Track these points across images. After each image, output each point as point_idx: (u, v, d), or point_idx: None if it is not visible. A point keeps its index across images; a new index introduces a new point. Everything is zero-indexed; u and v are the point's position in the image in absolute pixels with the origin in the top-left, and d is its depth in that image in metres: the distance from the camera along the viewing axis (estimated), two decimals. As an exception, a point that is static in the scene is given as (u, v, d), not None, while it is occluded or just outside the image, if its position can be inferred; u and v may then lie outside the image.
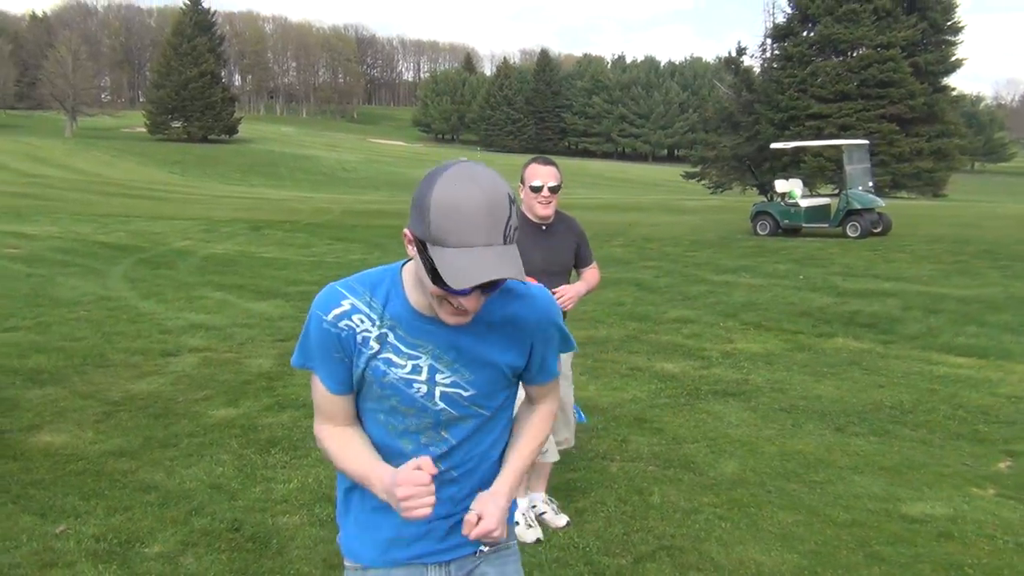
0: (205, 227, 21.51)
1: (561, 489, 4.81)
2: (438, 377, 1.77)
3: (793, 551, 4.12)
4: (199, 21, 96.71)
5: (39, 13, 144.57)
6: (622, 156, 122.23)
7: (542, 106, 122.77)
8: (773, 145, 19.67)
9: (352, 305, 1.77)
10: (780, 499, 4.76)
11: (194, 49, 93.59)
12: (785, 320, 9.61)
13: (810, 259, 14.56)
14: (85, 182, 47.89)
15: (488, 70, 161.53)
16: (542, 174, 4.12)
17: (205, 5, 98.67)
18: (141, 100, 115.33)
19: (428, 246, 1.58)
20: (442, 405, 1.78)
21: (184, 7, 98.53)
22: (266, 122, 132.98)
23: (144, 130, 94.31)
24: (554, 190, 4.14)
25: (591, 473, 5.10)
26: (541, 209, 4.13)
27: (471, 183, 1.57)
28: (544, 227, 4.22)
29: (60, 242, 17.62)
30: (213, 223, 22.53)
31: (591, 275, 4.45)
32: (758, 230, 18.70)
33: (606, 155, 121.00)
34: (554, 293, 3.82)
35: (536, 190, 4.11)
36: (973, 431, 5.88)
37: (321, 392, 1.85)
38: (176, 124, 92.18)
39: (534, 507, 4.39)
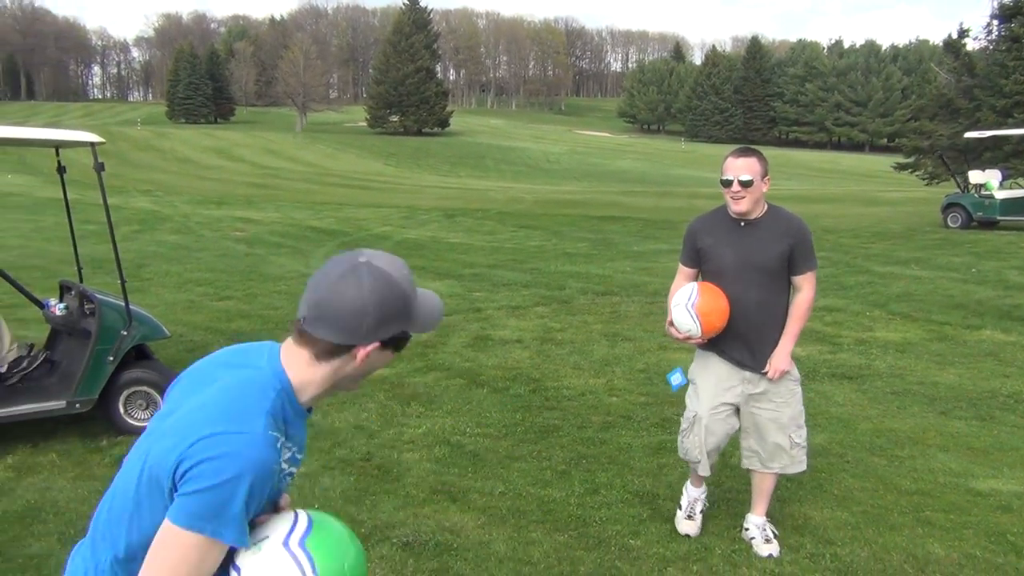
0: (406, 214, 23.20)
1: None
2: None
3: (845, 510, 4.52)
4: (416, 19, 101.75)
5: (277, 17, 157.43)
6: (836, 146, 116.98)
7: (751, 95, 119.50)
8: (968, 134, 18.66)
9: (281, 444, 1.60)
10: (854, 468, 5.12)
11: (411, 46, 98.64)
12: (935, 311, 9.54)
13: (994, 253, 13.98)
14: (310, 173, 52.06)
15: (698, 59, 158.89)
16: (733, 167, 3.79)
17: (422, 4, 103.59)
18: (363, 96, 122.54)
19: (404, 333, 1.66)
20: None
21: (403, 6, 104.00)
22: (477, 115, 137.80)
23: (365, 124, 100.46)
24: (745, 184, 3.75)
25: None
26: (733, 205, 3.82)
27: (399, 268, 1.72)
28: (743, 223, 3.89)
29: (278, 227, 19.71)
30: (413, 211, 24.23)
31: (801, 300, 3.94)
32: (949, 222, 17.92)
33: (818, 145, 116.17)
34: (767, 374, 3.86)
35: (726, 184, 3.81)
36: (1083, 421, 5.89)
37: (214, 558, 1.51)
38: (393, 118, 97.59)
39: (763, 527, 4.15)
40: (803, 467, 4.09)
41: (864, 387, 6.78)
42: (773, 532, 4.12)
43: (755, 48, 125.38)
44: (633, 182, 56.82)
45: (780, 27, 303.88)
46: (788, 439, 3.99)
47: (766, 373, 3.91)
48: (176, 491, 1.49)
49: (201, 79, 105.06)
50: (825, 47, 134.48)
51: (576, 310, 9.90)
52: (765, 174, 3.83)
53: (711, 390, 4.00)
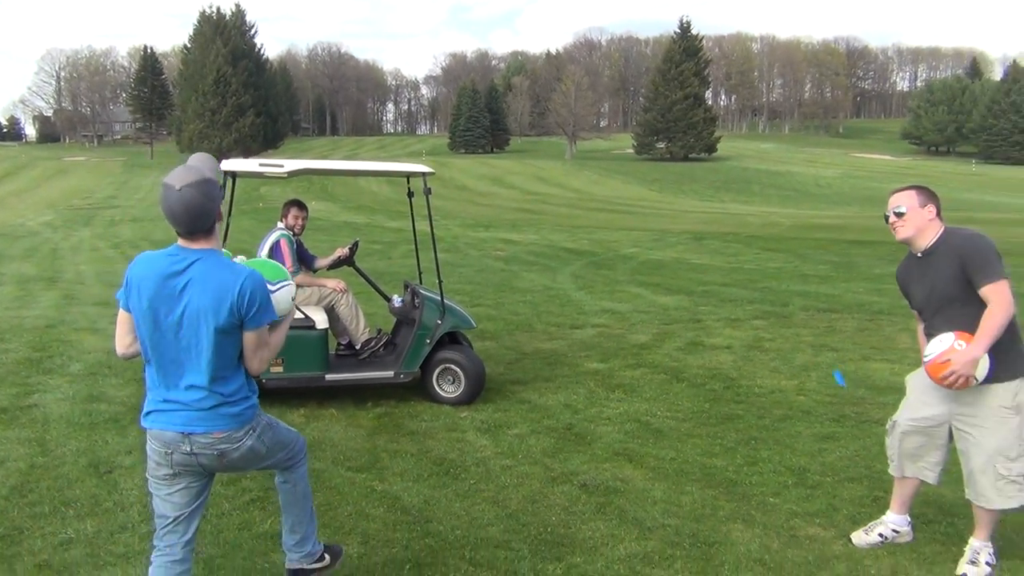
0: (656, 237, 24.20)
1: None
2: None
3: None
4: (687, 47, 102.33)
5: (552, 51, 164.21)
6: None
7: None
8: None
9: None
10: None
11: (680, 74, 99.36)
12: None
13: None
14: (575, 198, 54.40)
15: (998, 75, 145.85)
16: (890, 201, 4.08)
17: (694, 31, 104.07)
18: (632, 123, 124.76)
19: None
20: None
21: (674, 35, 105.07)
22: (746, 139, 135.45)
23: (632, 151, 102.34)
24: (899, 215, 4.02)
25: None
26: (895, 235, 4.08)
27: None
28: (920, 255, 4.05)
29: (535, 247, 21.46)
30: (664, 234, 25.17)
31: (988, 312, 3.81)
32: None
33: None
34: (940, 381, 3.86)
35: (887, 220, 4.11)
36: None
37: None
38: (660, 144, 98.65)
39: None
40: (1011, 504, 3.94)
41: None
42: (988, 560, 4.04)
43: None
44: (910, 207, 53.73)
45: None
46: (993, 470, 3.91)
47: (977, 387, 3.90)
48: (245, 314, 3.04)
49: (480, 112, 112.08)
50: None
51: (792, 324, 10.44)
52: (925, 204, 4.01)
53: (912, 402, 4.24)
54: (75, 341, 9.50)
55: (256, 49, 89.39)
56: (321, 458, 5.62)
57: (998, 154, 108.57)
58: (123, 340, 3.21)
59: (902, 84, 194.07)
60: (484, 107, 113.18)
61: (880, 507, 4.66)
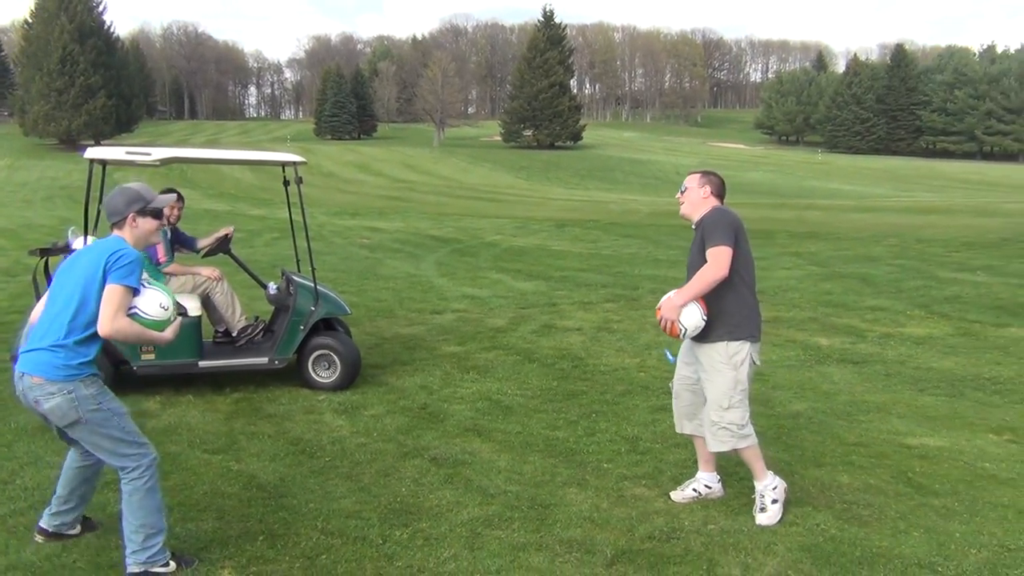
0: (520, 225, 24.75)
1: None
2: None
3: (787, 454, 5.61)
4: (551, 36, 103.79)
5: (419, 36, 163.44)
6: (987, 156, 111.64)
7: (895, 104, 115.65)
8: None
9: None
10: (814, 427, 6.18)
11: (546, 62, 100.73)
12: (973, 312, 10.24)
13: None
14: (443, 186, 54.56)
15: (842, 68, 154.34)
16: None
17: (557, 20, 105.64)
18: (499, 111, 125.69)
19: None
20: None
21: (538, 23, 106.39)
22: (611, 128, 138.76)
23: (499, 139, 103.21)
24: (682, 192, 4.72)
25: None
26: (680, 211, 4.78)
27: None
28: (694, 228, 4.64)
29: (401, 235, 21.62)
30: (528, 221, 25.75)
31: (706, 266, 4.43)
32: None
33: (967, 155, 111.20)
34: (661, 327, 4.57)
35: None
36: (1044, 399, 6.70)
37: (128, 298, 3.83)
38: (527, 132, 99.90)
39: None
40: (723, 447, 4.58)
41: (864, 370, 7.74)
42: (774, 498, 4.54)
43: (900, 55, 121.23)
44: (761, 194, 56.57)
45: (936, 32, 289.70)
46: (709, 417, 4.59)
47: (702, 344, 4.58)
48: (107, 272, 3.66)
49: (347, 98, 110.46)
50: (977, 53, 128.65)
51: (640, 306, 11.07)
52: (703, 185, 4.66)
53: (679, 364, 4.92)
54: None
55: (106, 27, 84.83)
56: (177, 442, 5.74)
57: (841, 144, 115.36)
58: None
59: (755, 75, 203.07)
60: (350, 92, 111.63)
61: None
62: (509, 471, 5.28)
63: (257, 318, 7.77)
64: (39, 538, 4.19)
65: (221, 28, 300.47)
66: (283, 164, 7.38)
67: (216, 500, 4.80)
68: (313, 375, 7.11)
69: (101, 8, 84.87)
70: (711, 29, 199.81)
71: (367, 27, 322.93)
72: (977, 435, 5.95)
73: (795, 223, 24.15)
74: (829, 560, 4.09)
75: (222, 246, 7.79)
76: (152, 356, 6.70)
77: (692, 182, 4.73)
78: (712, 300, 4.53)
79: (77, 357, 3.71)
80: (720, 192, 4.75)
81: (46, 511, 4.23)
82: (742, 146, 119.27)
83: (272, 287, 7.57)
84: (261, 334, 7.49)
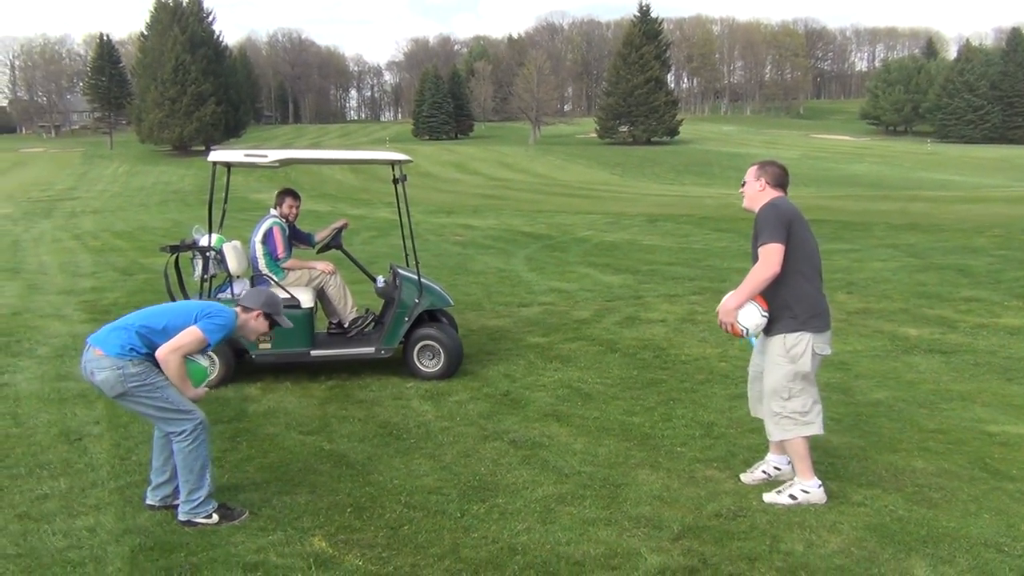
0: (611, 220, 24.80)
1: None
2: None
3: (863, 439, 5.64)
4: (647, 30, 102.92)
5: (515, 35, 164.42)
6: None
7: (1011, 90, 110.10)
8: None
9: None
10: (895, 414, 6.18)
11: (641, 57, 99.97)
12: (1076, 302, 9.89)
13: None
14: (538, 183, 54.87)
15: (954, 54, 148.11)
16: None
17: (654, 15, 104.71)
18: (595, 107, 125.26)
19: None
20: None
21: (634, 18, 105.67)
22: (709, 122, 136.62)
23: (595, 135, 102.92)
24: (742, 186, 4.87)
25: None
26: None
27: None
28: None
29: (493, 231, 21.98)
30: (620, 217, 25.78)
31: (757, 265, 4.55)
32: None
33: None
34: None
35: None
36: None
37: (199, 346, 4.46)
38: (623, 128, 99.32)
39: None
40: (786, 435, 4.66)
41: (951, 360, 7.64)
42: (792, 492, 4.64)
43: (1016, 39, 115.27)
44: (867, 186, 54.93)
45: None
46: (769, 408, 4.70)
47: (769, 336, 4.72)
48: (200, 317, 4.40)
49: (444, 98, 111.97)
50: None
51: (727, 298, 11.07)
52: (759, 177, 4.73)
53: (753, 353, 5.07)
54: (41, 327, 9.90)
55: (215, 36, 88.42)
56: (275, 424, 6.15)
57: (953, 133, 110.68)
58: None
59: (860, 64, 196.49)
60: (447, 93, 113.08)
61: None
62: (584, 453, 5.49)
63: (367, 310, 8.16)
64: (186, 528, 4.49)
65: (323, 34, 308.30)
66: (392, 163, 7.67)
67: (309, 476, 5.15)
68: (418, 364, 7.42)
69: (211, 18, 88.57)
70: (814, 19, 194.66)
71: (464, 28, 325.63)
72: (1063, 424, 5.85)
73: (896, 215, 23.49)
74: (894, 538, 4.16)
75: (336, 239, 8.21)
76: (268, 346, 7.17)
77: (750, 175, 4.82)
78: (770, 295, 4.61)
79: (134, 345, 4.37)
80: (780, 182, 4.77)
81: (148, 489, 4.69)
82: (847, 137, 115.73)
83: (380, 280, 7.95)
84: (371, 325, 7.88)
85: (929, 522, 4.33)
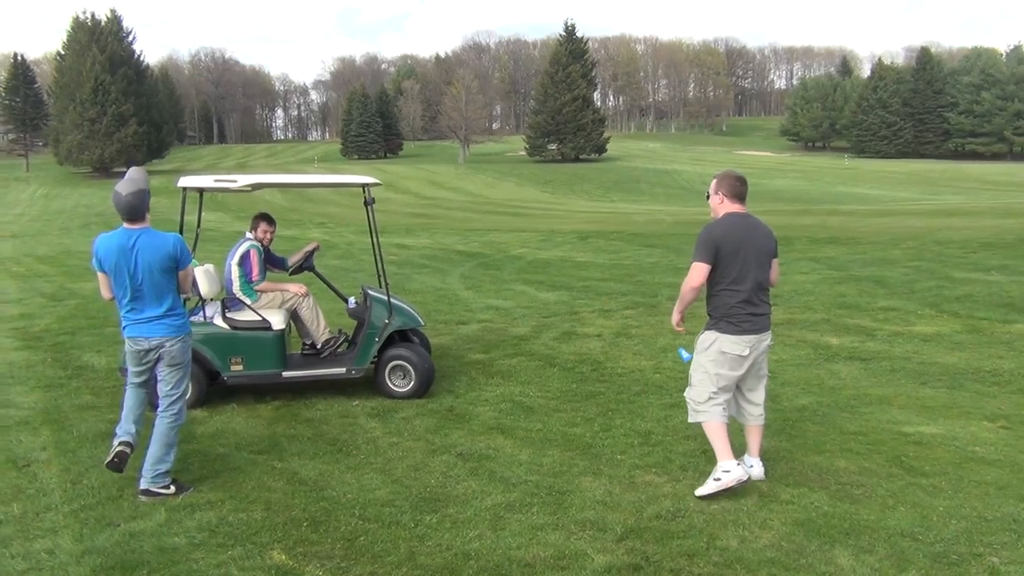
0: (544, 238, 25.19)
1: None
2: None
3: (789, 442, 6.01)
4: (573, 50, 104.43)
5: (442, 54, 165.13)
6: (1018, 156, 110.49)
7: (921, 107, 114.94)
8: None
9: None
10: (818, 419, 6.57)
11: (568, 76, 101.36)
12: (982, 310, 10.52)
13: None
14: (469, 202, 55.21)
15: (867, 72, 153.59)
16: None
17: (579, 34, 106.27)
18: (524, 125, 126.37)
19: None
20: None
21: (560, 38, 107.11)
22: (635, 139, 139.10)
23: (524, 153, 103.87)
24: (707, 197, 5.35)
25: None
26: None
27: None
28: None
29: (428, 250, 22.15)
30: (552, 234, 26.19)
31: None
32: (1065, 232, 18.10)
33: (997, 156, 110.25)
34: None
35: None
36: (1039, 388, 7.04)
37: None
38: (552, 146, 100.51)
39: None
40: (690, 420, 5.35)
41: (869, 366, 8.11)
42: (715, 476, 5.05)
43: (925, 58, 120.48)
44: (788, 201, 56.63)
45: (962, 34, 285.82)
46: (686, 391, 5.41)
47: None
48: (179, 259, 5.25)
49: (372, 117, 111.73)
50: (1004, 53, 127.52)
51: (658, 312, 11.47)
52: (716, 190, 5.24)
53: None
54: (-26, 355, 9.74)
55: (136, 56, 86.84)
56: (225, 444, 6.25)
57: (868, 148, 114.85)
58: (105, 291, 5.34)
59: (779, 82, 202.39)
60: (375, 112, 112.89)
61: (708, 458, 5.61)
62: (529, 463, 5.73)
63: (340, 331, 8.27)
64: (143, 498, 5.21)
65: (248, 53, 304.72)
66: (364, 185, 7.78)
67: (263, 493, 5.28)
68: (390, 384, 7.53)
69: (131, 38, 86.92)
70: (734, 38, 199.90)
71: (391, 47, 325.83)
72: (972, 423, 6.31)
73: (817, 229, 24.38)
74: (819, 532, 4.50)
75: (308, 261, 8.31)
76: (240, 367, 7.26)
77: (711, 188, 5.31)
78: (707, 299, 5.31)
79: (183, 313, 5.45)
80: (735, 192, 5.22)
81: (142, 474, 5.26)
82: (768, 153, 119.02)
83: (352, 301, 8.04)
84: (344, 346, 7.99)
85: (851, 516, 4.68)
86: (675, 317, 5.48)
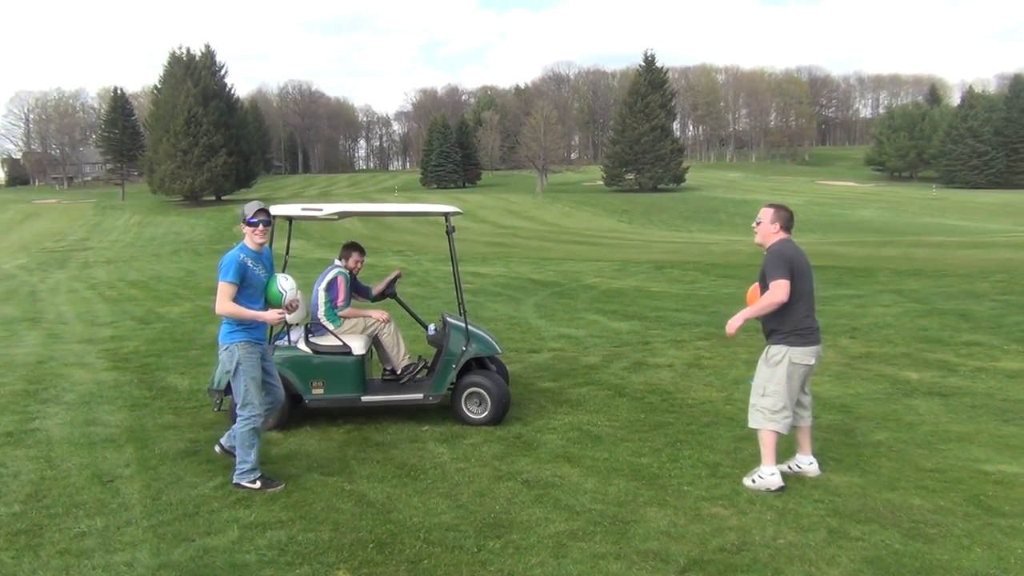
0: (618, 267, 25.15)
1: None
2: None
3: (862, 478, 5.87)
4: (652, 80, 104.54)
5: (521, 85, 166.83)
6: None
7: (1015, 136, 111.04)
8: None
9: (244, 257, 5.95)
10: (894, 454, 6.40)
11: (647, 106, 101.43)
12: (1073, 345, 10.11)
13: None
14: (546, 231, 55.49)
15: (957, 100, 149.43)
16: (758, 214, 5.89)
17: (659, 64, 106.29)
18: (601, 155, 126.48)
19: None
20: None
21: (639, 68, 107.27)
22: (714, 169, 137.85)
23: (602, 183, 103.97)
24: (758, 223, 5.85)
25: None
26: (755, 239, 5.94)
27: None
28: (765, 251, 5.84)
29: (502, 279, 22.34)
30: (627, 264, 26.13)
31: (764, 295, 5.66)
32: None
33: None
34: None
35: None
36: None
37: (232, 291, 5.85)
38: (629, 176, 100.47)
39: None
40: (755, 425, 5.79)
41: (948, 402, 7.86)
42: (759, 474, 5.72)
43: (1018, 86, 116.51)
44: (872, 232, 55.42)
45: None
46: (751, 397, 5.87)
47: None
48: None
49: (452, 147, 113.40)
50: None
51: (732, 344, 11.31)
52: (774, 221, 5.79)
53: None
54: (66, 374, 10.22)
55: (227, 88, 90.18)
56: (297, 466, 6.41)
57: (958, 178, 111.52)
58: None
59: (864, 111, 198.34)
60: (455, 142, 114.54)
61: (777, 492, 5.55)
62: (594, 492, 5.72)
63: (420, 357, 8.42)
64: (217, 449, 6.45)
65: (333, 85, 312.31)
66: (445, 214, 7.94)
67: (331, 514, 5.40)
68: (465, 411, 7.60)
69: (223, 72, 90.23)
70: (818, 67, 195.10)
71: (472, 79, 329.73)
72: (1055, 463, 6.06)
73: (900, 260, 23.78)
74: (889, 570, 4.39)
75: (390, 288, 8.52)
76: (321, 391, 7.47)
77: (766, 216, 5.84)
78: (770, 315, 5.76)
79: (231, 329, 5.95)
80: (788, 225, 5.83)
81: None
82: (852, 183, 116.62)
83: (432, 328, 8.19)
84: (423, 372, 8.13)
85: (923, 555, 4.55)
86: (739, 322, 5.78)
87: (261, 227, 5.98)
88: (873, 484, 5.73)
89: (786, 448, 6.17)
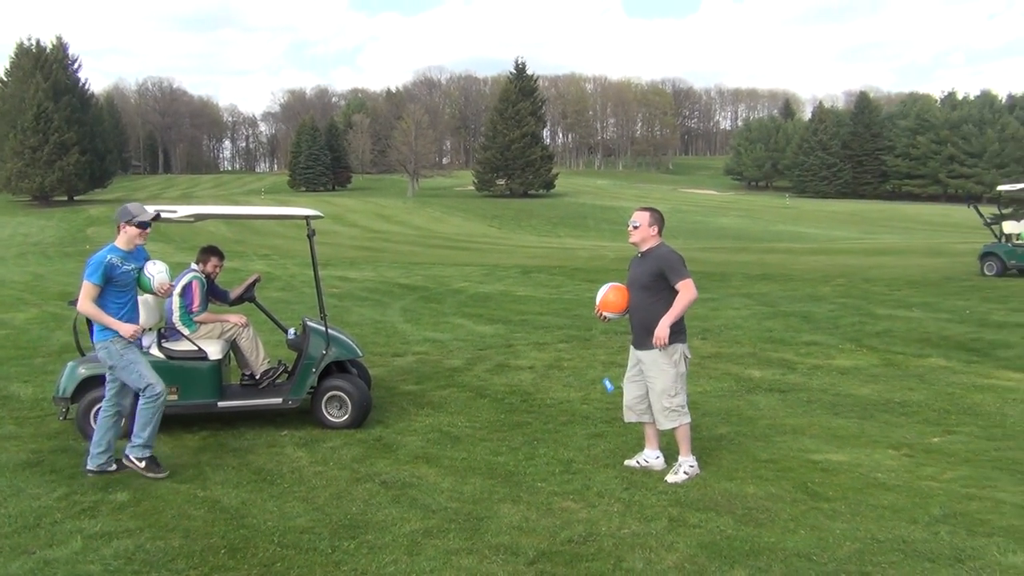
0: (487, 271, 25.40)
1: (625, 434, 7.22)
2: None
3: (702, 467, 6.20)
4: (523, 87, 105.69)
5: (392, 89, 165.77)
6: (951, 199, 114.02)
7: (860, 149, 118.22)
8: (1000, 187, 19.67)
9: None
10: (735, 447, 6.80)
11: (517, 113, 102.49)
12: (899, 344, 10.96)
13: (1002, 298, 15.07)
14: (416, 236, 55.26)
15: (809, 115, 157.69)
16: (633, 214, 6.14)
17: (529, 72, 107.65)
18: (473, 161, 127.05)
19: None
20: None
21: (510, 75, 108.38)
22: (583, 176, 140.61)
23: (473, 188, 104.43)
24: (636, 227, 6.05)
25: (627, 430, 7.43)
26: (629, 239, 6.14)
27: None
28: (639, 254, 6.14)
29: (370, 283, 22.20)
30: (495, 268, 26.42)
31: (679, 297, 5.88)
32: (985, 271, 18.80)
33: (932, 198, 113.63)
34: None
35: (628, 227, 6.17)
36: (944, 418, 7.39)
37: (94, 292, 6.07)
38: (500, 182, 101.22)
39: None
40: (671, 425, 6.04)
41: (787, 397, 8.40)
42: (686, 470, 6.02)
43: (864, 102, 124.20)
44: (730, 238, 57.72)
45: (900, 80, 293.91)
46: (659, 403, 6.03)
47: (647, 350, 6.05)
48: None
49: (321, 150, 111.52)
50: (938, 99, 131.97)
51: (591, 345, 11.71)
52: (652, 224, 6.08)
53: (629, 365, 6.34)
54: None
55: (80, 83, 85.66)
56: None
57: (809, 188, 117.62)
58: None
59: (724, 123, 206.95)
60: (325, 144, 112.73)
61: (625, 486, 5.84)
62: (451, 491, 5.85)
63: (280, 362, 8.29)
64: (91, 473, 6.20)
65: (197, 83, 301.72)
66: (306, 217, 7.88)
67: (182, 522, 5.32)
68: (326, 415, 7.59)
69: (76, 66, 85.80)
70: (681, 79, 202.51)
71: (342, 81, 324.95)
72: (877, 451, 6.60)
73: (753, 266, 24.98)
74: (721, 554, 4.69)
75: (249, 292, 8.36)
76: (175, 397, 7.25)
77: (643, 219, 6.10)
78: (652, 316, 5.97)
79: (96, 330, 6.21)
80: (662, 228, 6.18)
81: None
82: (713, 192, 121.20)
83: (291, 332, 8.12)
84: (283, 376, 8.03)
85: (753, 539, 4.89)
86: (666, 330, 5.87)
87: (148, 230, 6.21)
88: (713, 475, 6.09)
89: (635, 444, 6.48)
